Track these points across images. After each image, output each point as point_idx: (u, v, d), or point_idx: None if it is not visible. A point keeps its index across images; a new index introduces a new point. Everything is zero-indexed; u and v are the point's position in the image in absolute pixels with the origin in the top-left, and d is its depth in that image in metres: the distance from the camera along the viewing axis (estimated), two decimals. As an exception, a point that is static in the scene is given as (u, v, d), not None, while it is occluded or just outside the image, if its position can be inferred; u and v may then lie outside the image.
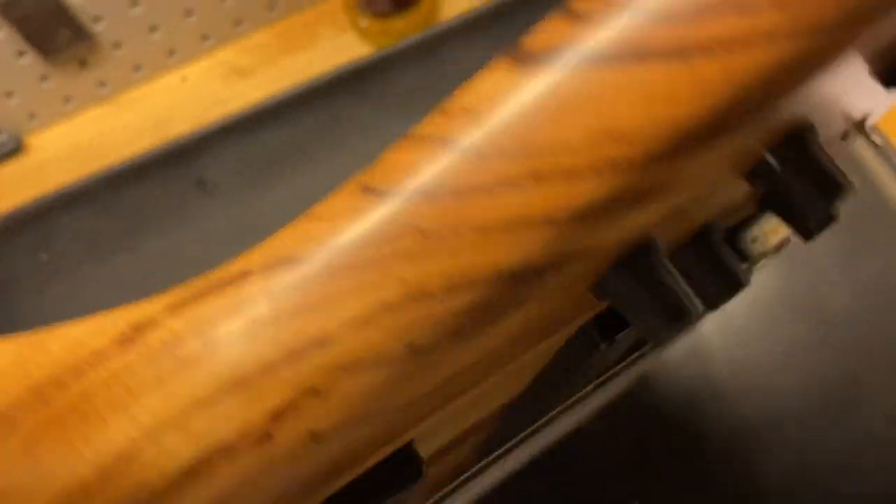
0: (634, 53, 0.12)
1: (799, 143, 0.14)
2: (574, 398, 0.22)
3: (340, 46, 0.56)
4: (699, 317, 0.14)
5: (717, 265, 0.15)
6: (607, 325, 0.18)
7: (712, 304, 0.15)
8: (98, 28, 0.51)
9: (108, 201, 0.50)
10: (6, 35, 0.49)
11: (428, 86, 0.50)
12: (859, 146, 0.46)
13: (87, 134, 0.55)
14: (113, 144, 0.55)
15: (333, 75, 0.51)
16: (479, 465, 0.21)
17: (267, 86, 0.55)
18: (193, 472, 0.13)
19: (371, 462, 0.16)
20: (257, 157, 0.50)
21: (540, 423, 0.21)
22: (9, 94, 0.52)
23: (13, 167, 0.55)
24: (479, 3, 0.52)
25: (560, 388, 0.21)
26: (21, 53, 0.50)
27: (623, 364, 0.22)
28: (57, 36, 0.50)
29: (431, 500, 0.21)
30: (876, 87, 0.14)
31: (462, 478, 0.21)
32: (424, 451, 0.17)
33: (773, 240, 0.18)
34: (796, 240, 0.16)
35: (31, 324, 0.48)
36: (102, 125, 0.55)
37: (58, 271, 0.48)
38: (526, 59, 0.14)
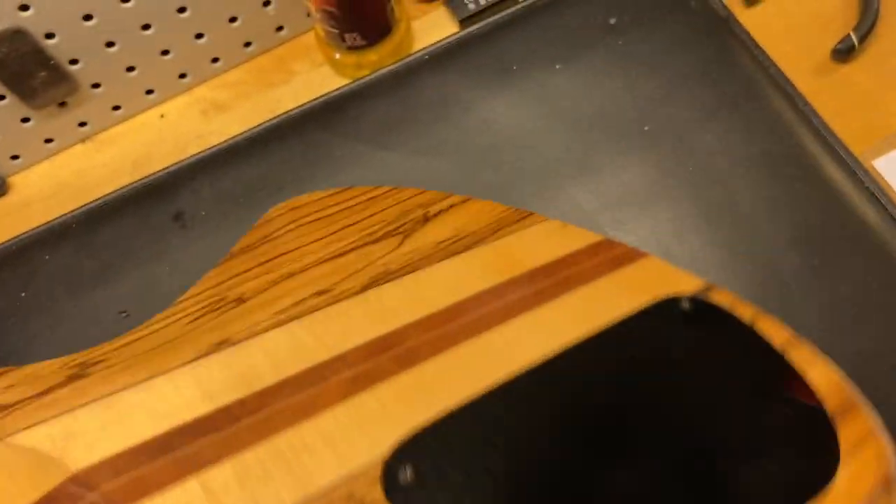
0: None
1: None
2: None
3: (315, 80, 0.57)
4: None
5: None
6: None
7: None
8: (76, 69, 0.52)
9: (86, 238, 0.51)
10: (-15, 79, 0.50)
11: (400, 116, 0.51)
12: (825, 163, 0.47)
13: (69, 172, 0.56)
14: (95, 181, 0.55)
15: (305, 108, 0.52)
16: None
17: (245, 120, 0.56)
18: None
19: None
20: (233, 190, 0.51)
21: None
22: (-9, 136, 0.53)
23: (-3, 207, 0.56)
24: (449, 33, 0.54)
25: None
26: (0, 97, 0.51)
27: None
28: (35, 78, 0.51)
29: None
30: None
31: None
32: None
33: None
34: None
35: (13, 358, 0.48)
36: (84, 163, 0.56)
37: (38, 308, 0.49)
38: None
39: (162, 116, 0.57)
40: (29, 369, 0.35)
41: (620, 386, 0.36)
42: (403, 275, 0.38)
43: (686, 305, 0.37)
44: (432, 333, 0.36)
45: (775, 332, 0.35)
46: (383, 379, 0.35)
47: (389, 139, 0.50)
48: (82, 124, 0.56)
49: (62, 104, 0.54)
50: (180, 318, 0.37)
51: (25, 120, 0.54)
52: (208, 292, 0.38)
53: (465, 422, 0.34)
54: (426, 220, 0.40)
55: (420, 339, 0.36)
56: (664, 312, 0.37)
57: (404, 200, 0.42)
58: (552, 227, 0.41)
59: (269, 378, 0.35)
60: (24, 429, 0.33)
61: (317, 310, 0.37)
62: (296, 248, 0.40)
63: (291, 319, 0.37)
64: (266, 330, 0.36)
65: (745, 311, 0.36)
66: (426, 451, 0.34)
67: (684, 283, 0.38)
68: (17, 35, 0.49)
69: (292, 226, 0.41)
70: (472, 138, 0.50)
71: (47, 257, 0.50)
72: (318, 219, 0.41)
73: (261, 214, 0.42)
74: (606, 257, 0.39)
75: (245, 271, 0.39)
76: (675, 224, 0.47)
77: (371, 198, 0.42)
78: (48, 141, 0.56)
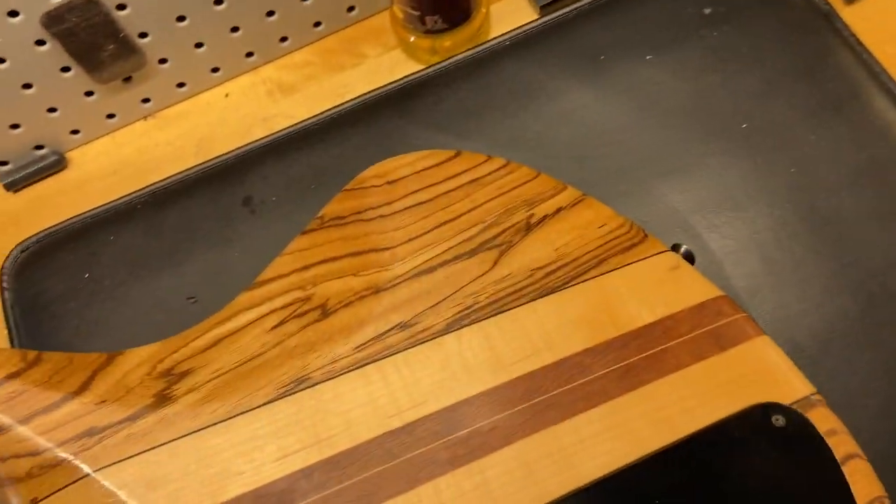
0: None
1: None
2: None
3: (385, 64, 0.56)
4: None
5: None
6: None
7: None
8: (144, 42, 0.50)
9: (153, 220, 0.50)
10: (51, 50, 0.48)
11: (479, 104, 0.50)
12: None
13: (130, 149, 0.55)
14: (155, 160, 0.54)
15: (380, 93, 0.51)
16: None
17: (310, 103, 0.54)
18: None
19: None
20: (304, 176, 0.50)
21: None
22: (52, 110, 0.52)
23: (55, 182, 0.55)
24: (528, 20, 0.52)
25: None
26: (65, 69, 0.50)
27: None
28: (103, 51, 0.50)
29: None
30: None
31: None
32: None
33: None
34: None
35: (73, 343, 0.48)
36: (145, 141, 0.55)
37: (101, 291, 0.48)
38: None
39: (226, 96, 0.56)
40: (115, 369, 0.34)
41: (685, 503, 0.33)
42: (489, 316, 0.36)
43: (780, 422, 0.34)
44: (504, 416, 0.33)
45: (865, 486, 0.32)
46: (445, 471, 0.32)
47: (468, 128, 0.49)
48: (146, 100, 0.55)
49: (127, 79, 0.53)
50: (264, 317, 0.36)
51: (89, 94, 0.52)
52: (293, 278, 0.37)
53: None
54: (528, 228, 0.38)
55: (490, 420, 0.33)
56: (754, 422, 0.34)
57: (510, 190, 0.39)
58: (663, 266, 0.37)
59: (340, 443, 0.33)
60: (111, 464, 0.32)
61: (396, 351, 0.35)
62: (384, 233, 0.38)
63: (369, 360, 0.35)
64: (344, 370, 0.34)
65: (841, 446, 0.33)
66: None
67: (788, 387, 0.34)
68: (90, 4, 0.47)
69: (384, 205, 0.39)
70: (555, 130, 0.48)
71: (111, 238, 0.49)
72: (415, 204, 0.39)
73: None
74: (712, 330, 0.36)
75: (332, 259, 0.37)
76: (775, 230, 0.45)
77: (475, 179, 0.39)
78: (110, 116, 0.54)
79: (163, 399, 0.33)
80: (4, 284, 0.49)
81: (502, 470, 0.32)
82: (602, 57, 0.50)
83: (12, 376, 0.32)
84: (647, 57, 0.50)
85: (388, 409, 0.33)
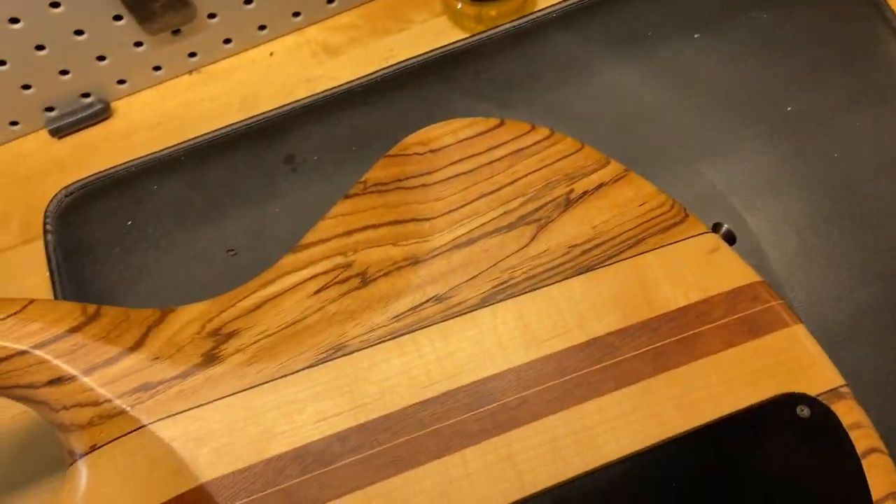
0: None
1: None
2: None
3: (430, 31, 0.56)
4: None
5: None
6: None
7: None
8: (195, -3, 0.51)
9: (197, 172, 0.51)
10: (105, -2, 0.49)
11: (523, 74, 0.50)
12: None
13: (174, 103, 0.56)
14: (200, 115, 0.55)
15: (425, 58, 0.51)
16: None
17: (354, 66, 0.55)
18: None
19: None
20: (346, 137, 0.51)
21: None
22: (101, 58, 0.53)
23: (100, 131, 0.56)
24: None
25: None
26: (117, 17, 0.50)
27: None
28: (155, 2, 0.50)
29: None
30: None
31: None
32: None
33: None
34: None
35: (115, 288, 0.49)
36: (190, 95, 0.56)
37: (144, 238, 0.49)
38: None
39: (271, 55, 0.56)
40: (167, 327, 0.35)
41: (704, 491, 0.33)
42: (524, 292, 0.37)
43: (804, 413, 0.34)
44: (533, 392, 0.34)
45: (883, 480, 0.33)
46: (474, 442, 0.34)
47: (511, 98, 0.49)
48: (192, 55, 0.55)
49: (176, 32, 0.53)
50: (307, 281, 0.37)
51: (138, 44, 0.53)
52: (335, 243, 0.38)
53: None
54: (568, 204, 0.38)
55: (519, 395, 0.34)
56: (779, 412, 0.34)
57: (552, 163, 0.39)
58: (702, 248, 0.38)
59: (375, 410, 0.34)
60: (163, 418, 0.33)
61: (431, 323, 0.36)
62: (425, 203, 0.39)
63: (405, 331, 0.36)
64: (380, 340, 0.36)
65: (864, 439, 0.33)
66: None
67: (817, 377, 0.35)
68: (146, -45, 0.48)
69: (426, 174, 0.39)
70: (598, 105, 0.48)
71: (155, 188, 0.50)
72: (457, 175, 0.39)
73: (371, 163, 0.41)
74: (746, 316, 0.36)
75: (373, 226, 0.38)
76: (813, 214, 0.45)
77: (518, 150, 0.40)
78: (156, 69, 0.55)
79: (211, 358, 0.35)
80: (48, 227, 0.50)
81: (528, 444, 0.33)
82: (649, 33, 0.50)
83: (74, 330, 0.34)
84: (695, 36, 0.50)
85: (421, 379, 0.35)
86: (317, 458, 0.33)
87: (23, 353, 0.33)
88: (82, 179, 0.51)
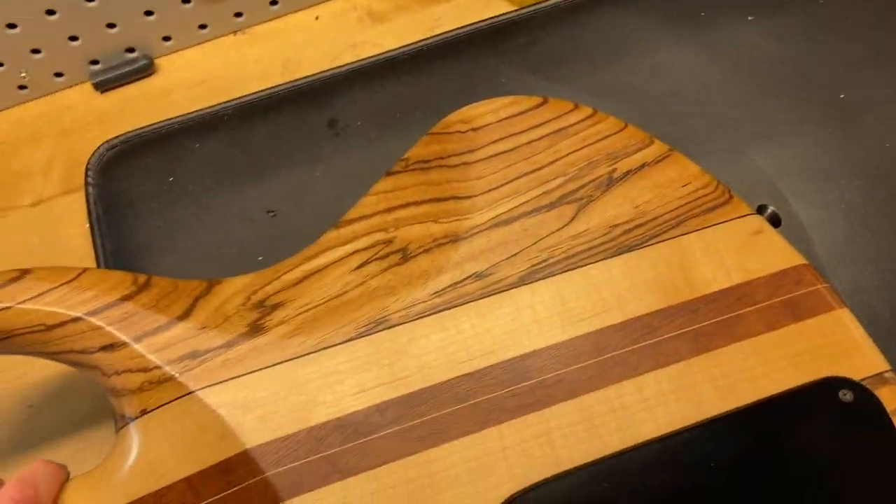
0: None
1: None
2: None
3: (478, 1, 0.55)
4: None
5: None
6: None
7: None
8: (243, -44, 0.51)
9: (239, 132, 0.51)
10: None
11: (572, 49, 0.50)
12: None
13: (218, 62, 0.56)
14: (242, 76, 0.55)
15: (473, 29, 0.51)
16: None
17: (400, 33, 0.55)
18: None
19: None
20: (390, 104, 0.51)
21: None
22: (149, 13, 0.53)
23: (143, 87, 0.56)
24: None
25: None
26: (166, -27, 0.51)
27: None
28: (202, -38, 0.50)
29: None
30: None
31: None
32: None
33: None
34: None
35: (154, 243, 0.50)
36: (233, 56, 0.56)
37: (184, 195, 0.50)
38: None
39: (317, 18, 0.56)
40: (214, 297, 0.36)
41: (741, 472, 0.33)
42: (563, 271, 0.37)
43: (847, 397, 0.34)
44: (570, 370, 0.35)
45: None
46: (510, 418, 0.34)
47: (559, 72, 0.49)
48: (238, 14, 0.55)
49: (222, -9, 0.53)
50: (349, 256, 0.38)
51: (185, 1, 0.53)
52: (376, 219, 0.38)
53: (573, 488, 0.33)
54: (610, 183, 0.38)
55: (556, 373, 0.35)
56: (821, 395, 0.34)
57: (595, 142, 0.39)
58: (746, 230, 0.37)
59: (414, 383, 0.35)
60: (210, 385, 0.34)
61: (470, 300, 0.36)
62: (466, 181, 0.39)
63: (445, 307, 0.36)
64: (420, 315, 0.36)
65: None
66: None
67: (861, 362, 0.35)
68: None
69: (467, 152, 0.40)
70: (648, 83, 0.48)
71: (197, 146, 0.51)
72: (498, 153, 0.39)
73: (418, 132, 0.41)
74: (789, 299, 0.36)
75: (415, 203, 0.39)
76: (862, 202, 0.45)
77: (560, 129, 0.40)
78: (202, 27, 0.55)
79: (256, 329, 0.36)
80: (89, 180, 0.51)
81: (565, 422, 0.34)
82: (702, 13, 0.49)
83: (125, 298, 0.35)
84: (749, 18, 0.49)
85: (459, 355, 0.35)
86: (357, 428, 0.34)
87: (77, 319, 0.34)
88: (124, 134, 0.52)
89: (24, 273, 0.35)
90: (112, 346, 0.34)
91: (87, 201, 0.50)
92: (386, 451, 0.33)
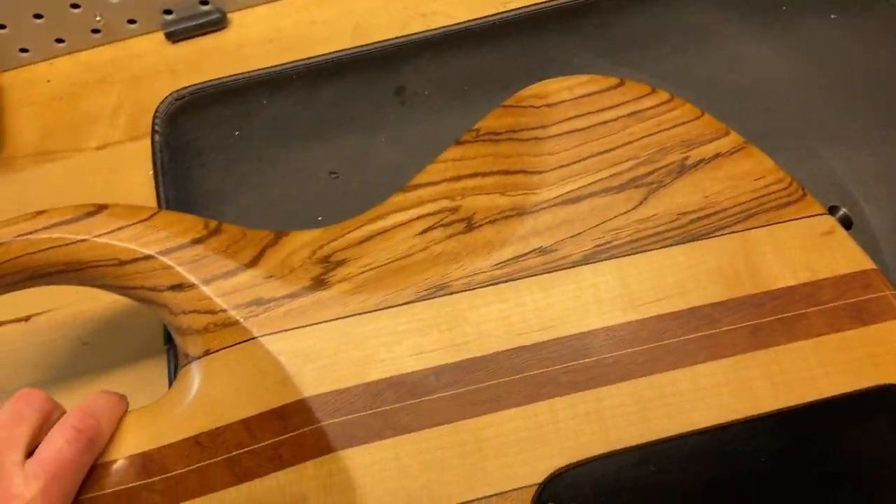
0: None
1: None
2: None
3: (555, -25, 0.55)
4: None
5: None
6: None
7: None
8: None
9: (307, 92, 0.52)
10: None
11: (647, 35, 0.49)
12: None
13: (288, 21, 0.56)
14: (311, 37, 0.56)
15: (548, 7, 0.51)
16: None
17: (470, 5, 0.54)
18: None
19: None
20: (458, 76, 0.51)
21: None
22: (223, -33, 0.53)
23: (214, 41, 0.57)
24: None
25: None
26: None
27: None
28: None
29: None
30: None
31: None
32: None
33: None
34: None
35: (216, 194, 0.51)
36: (304, 16, 0.56)
37: (249, 150, 0.51)
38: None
39: (389, -16, 0.56)
40: (281, 248, 0.37)
41: (790, 471, 0.33)
42: (627, 254, 0.37)
43: None
44: (627, 352, 0.35)
45: None
46: (564, 393, 0.34)
47: (631, 57, 0.49)
48: (312, -25, 0.56)
49: (299, -50, 0.53)
50: (413, 221, 0.38)
51: (261, -43, 0.53)
52: (443, 187, 0.39)
53: (621, 468, 0.33)
54: (682, 171, 0.38)
55: (612, 354, 0.35)
56: (878, 402, 0.34)
57: (669, 128, 0.39)
58: (817, 230, 0.37)
59: (471, 350, 0.35)
60: (273, 333, 0.35)
61: (532, 274, 0.37)
62: (537, 156, 0.39)
63: (506, 279, 0.36)
64: (481, 284, 0.36)
65: None
66: (579, 488, 0.33)
67: None
68: None
69: (540, 127, 0.39)
70: (722, 75, 0.47)
71: (265, 102, 0.51)
72: (571, 131, 0.39)
73: (485, 108, 0.41)
74: (855, 303, 0.35)
75: (483, 174, 0.39)
76: (936, 211, 0.44)
77: (635, 112, 0.39)
78: (276, -15, 0.56)
79: (320, 283, 0.36)
80: (157, 128, 0.51)
81: (617, 402, 0.34)
82: (784, 8, 0.49)
83: (197, 241, 0.36)
84: (832, 16, 0.48)
85: (518, 327, 0.36)
86: (412, 388, 0.34)
87: (149, 257, 0.35)
88: (194, 85, 0.52)
89: (100, 208, 0.36)
90: (181, 287, 0.35)
91: (153, 149, 0.51)
92: (439, 413, 0.34)
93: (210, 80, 0.52)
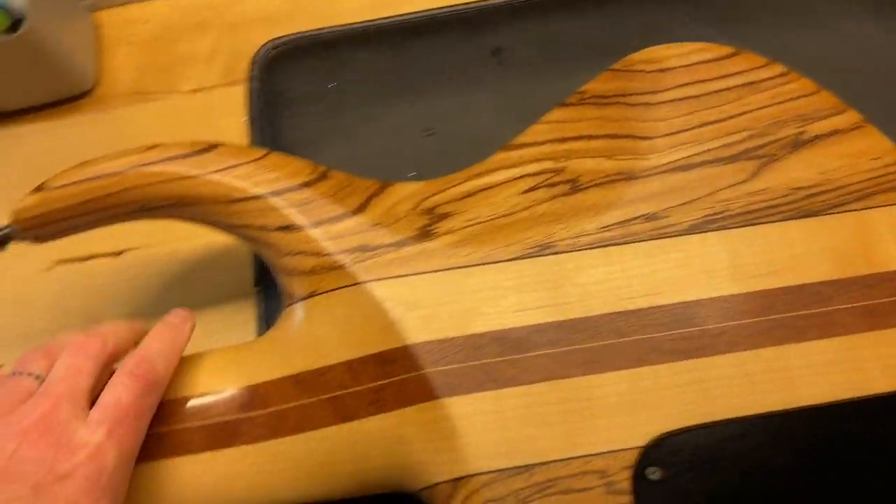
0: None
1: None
2: None
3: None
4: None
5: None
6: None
7: None
8: None
9: (403, 48, 0.52)
10: None
11: (758, 7, 0.48)
12: None
13: (387, -24, 0.56)
14: (408, -7, 0.55)
15: (656, -26, 0.50)
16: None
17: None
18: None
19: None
20: (557, 41, 0.50)
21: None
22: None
23: (309, -8, 0.56)
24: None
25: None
26: None
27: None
28: None
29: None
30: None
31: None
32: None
33: None
34: None
35: (309, 144, 0.51)
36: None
37: (343, 102, 0.50)
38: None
39: (493, -59, 0.55)
40: (386, 198, 0.37)
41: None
42: (737, 226, 0.36)
43: None
44: (734, 324, 0.34)
45: None
46: (668, 360, 0.34)
47: (737, 29, 0.47)
48: (413, -71, 0.55)
49: None
50: (517, 179, 0.38)
51: None
52: (547, 148, 0.38)
53: (724, 438, 0.33)
54: (797, 145, 0.37)
55: (719, 325, 0.34)
56: None
57: (785, 101, 0.38)
58: None
59: (574, 311, 0.35)
60: (378, 279, 0.35)
61: (638, 241, 0.36)
62: (646, 121, 0.38)
63: (612, 242, 0.36)
64: (587, 246, 0.36)
65: None
66: (681, 454, 0.33)
67: None
68: None
69: (650, 92, 0.39)
70: (834, 56, 0.46)
71: (360, 56, 0.51)
72: (683, 98, 0.39)
73: (584, 73, 0.40)
74: None
75: (589, 137, 0.38)
76: None
77: (749, 83, 0.39)
78: (375, -63, 0.55)
79: (424, 234, 0.36)
80: (253, 74, 0.52)
81: (723, 373, 0.34)
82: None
83: (306, 185, 0.36)
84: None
85: (622, 291, 0.35)
86: (514, 343, 0.34)
87: (259, 197, 0.35)
88: (291, 34, 0.52)
89: (212, 146, 0.36)
90: (289, 228, 0.35)
91: (250, 95, 0.51)
92: (541, 370, 0.34)
93: (307, 31, 0.52)
